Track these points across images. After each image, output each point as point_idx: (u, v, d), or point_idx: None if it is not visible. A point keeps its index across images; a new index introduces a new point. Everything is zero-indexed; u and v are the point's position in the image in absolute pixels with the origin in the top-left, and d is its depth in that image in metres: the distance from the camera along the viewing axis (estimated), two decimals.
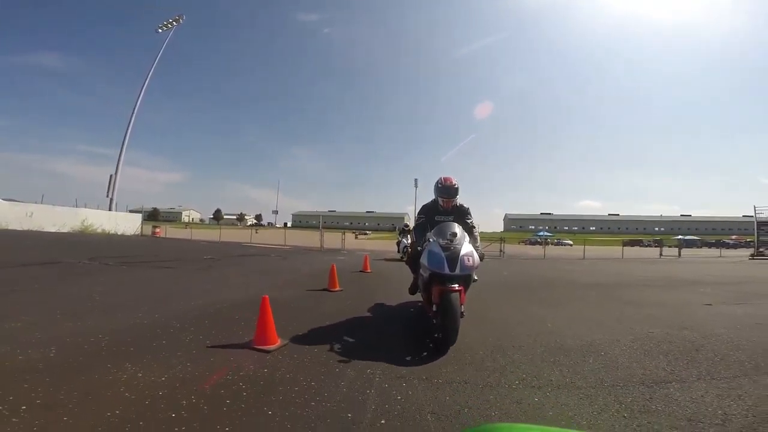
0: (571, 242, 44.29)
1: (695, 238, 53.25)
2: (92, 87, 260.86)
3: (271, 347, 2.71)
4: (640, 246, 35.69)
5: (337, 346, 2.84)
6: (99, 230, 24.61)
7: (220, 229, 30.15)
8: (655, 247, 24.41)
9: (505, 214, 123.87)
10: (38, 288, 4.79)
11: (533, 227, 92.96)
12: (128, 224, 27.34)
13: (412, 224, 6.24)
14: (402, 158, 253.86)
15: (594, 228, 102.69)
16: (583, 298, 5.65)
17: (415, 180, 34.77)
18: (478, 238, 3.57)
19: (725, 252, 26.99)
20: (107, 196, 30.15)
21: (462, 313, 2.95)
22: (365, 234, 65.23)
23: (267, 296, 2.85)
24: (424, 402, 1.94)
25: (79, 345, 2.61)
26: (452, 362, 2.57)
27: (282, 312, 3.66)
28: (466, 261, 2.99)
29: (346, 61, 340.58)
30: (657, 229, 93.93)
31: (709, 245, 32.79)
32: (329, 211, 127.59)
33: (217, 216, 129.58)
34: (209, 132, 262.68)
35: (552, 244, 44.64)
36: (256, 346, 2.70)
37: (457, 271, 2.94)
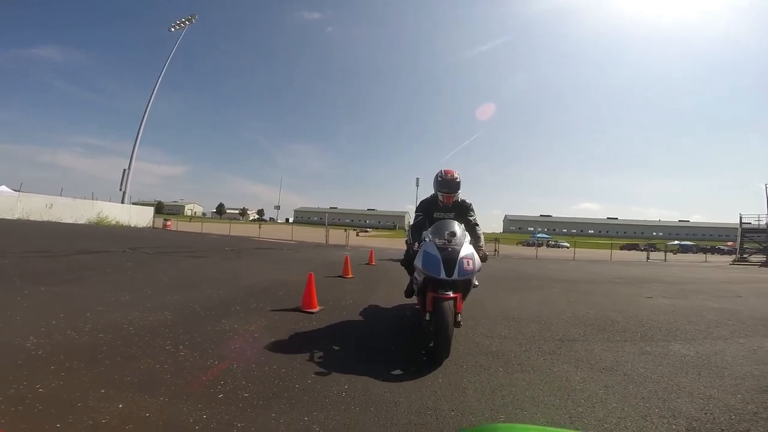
0: (567, 245, 45.40)
1: (691, 243, 54.51)
2: (92, 82, 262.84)
3: (314, 310, 3.95)
4: (637, 250, 36.75)
5: (357, 311, 4.08)
6: (113, 222, 25.96)
7: (230, 223, 31.44)
8: (652, 251, 25.62)
9: (505, 215, 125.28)
10: (112, 272, 5.98)
11: (532, 229, 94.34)
12: (141, 217, 28.76)
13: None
14: (403, 157, 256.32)
15: (592, 231, 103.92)
16: (549, 288, 6.92)
17: (417, 179, 33.96)
18: (482, 237, 3.26)
19: (711, 257, 28.23)
20: (120, 189, 31.59)
21: (458, 322, 2.74)
22: (366, 231, 66.54)
23: (312, 273, 4.11)
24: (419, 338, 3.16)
25: (181, 311, 3.69)
26: None
27: None
28: (465, 264, 2.75)
29: (348, 59, 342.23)
30: (655, 233, 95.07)
31: (704, 251, 34.07)
32: (331, 207, 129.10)
33: (220, 210, 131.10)
34: (210, 127, 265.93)
35: (549, 246, 45.94)
36: (303, 310, 3.93)
37: (455, 275, 2.68)
